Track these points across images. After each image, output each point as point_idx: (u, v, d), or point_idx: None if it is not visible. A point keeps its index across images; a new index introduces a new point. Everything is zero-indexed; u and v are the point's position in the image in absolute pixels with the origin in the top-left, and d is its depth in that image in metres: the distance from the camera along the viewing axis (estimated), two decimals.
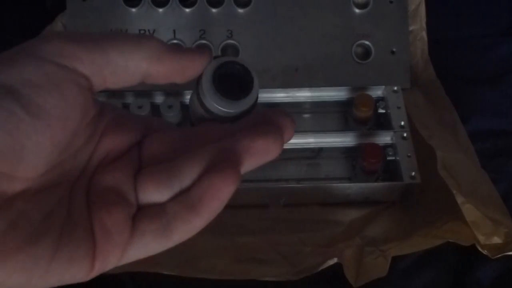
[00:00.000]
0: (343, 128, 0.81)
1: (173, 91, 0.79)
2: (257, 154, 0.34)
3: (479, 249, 0.64)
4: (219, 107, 0.37)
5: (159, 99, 0.78)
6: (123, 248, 0.32)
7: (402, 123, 0.76)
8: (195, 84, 0.40)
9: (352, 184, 0.74)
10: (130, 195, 0.33)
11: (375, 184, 0.74)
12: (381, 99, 0.80)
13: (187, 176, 0.33)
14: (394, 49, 0.84)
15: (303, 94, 0.81)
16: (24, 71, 0.29)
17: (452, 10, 0.95)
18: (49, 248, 0.29)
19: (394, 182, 0.73)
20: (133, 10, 0.84)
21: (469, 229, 0.64)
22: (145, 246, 0.33)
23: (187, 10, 0.84)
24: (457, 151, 0.72)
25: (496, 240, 0.63)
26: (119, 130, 0.36)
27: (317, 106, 0.82)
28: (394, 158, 0.74)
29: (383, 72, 0.84)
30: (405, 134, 0.75)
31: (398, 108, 0.77)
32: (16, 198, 0.29)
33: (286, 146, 0.77)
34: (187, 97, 0.79)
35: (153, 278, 0.65)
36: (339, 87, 0.81)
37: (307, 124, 0.82)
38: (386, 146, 0.75)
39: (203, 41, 0.84)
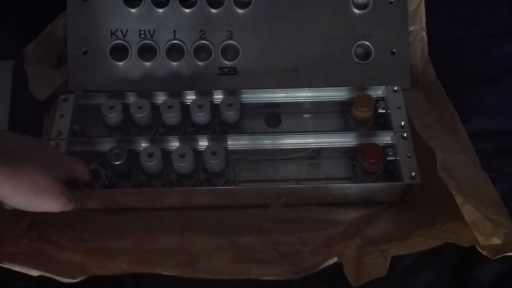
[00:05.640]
0: (343, 128, 0.81)
1: (173, 91, 0.79)
2: None
3: (479, 250, 0.64)
4: None
5: (159, 99, 0.78)
6: None
7: (402, 123, 0.76)
8: None
9: (352, 184, 0.74)
10: None
11: (375, 184, 0.74)
12: (381, 99, 0.80)
13: None
14: (394, 50, 0.84)
15: (303, 94, 0.81)
16: None
17: (452, 10, 0.95)
18: None
19: (394, 182, 0.73)
20: (133, 10, 0.84)
21: (469, 229, 0.64)
22: None
23: (187, 10, 0.84)
24: (457, 152, 0.72)
25: (496, 240, 0.63)
26: None
27: (317, 106, 0.82)
28: (394, 158, 0.74)
29: (383, 72, 0.84)
30: (405, 134, 0.75)
31: (398, 108, 0.77)
32: None
33: (286, 146, 0.78)
34: (187, 98, 0.79)
35: (153, 279, 0.65)
36: (339, 87, 0.81)
37: (307, 124, 0.82)
38: (386, 146, 0.75)
39: (203, 41, 0.84)
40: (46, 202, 0.61)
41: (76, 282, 0.64)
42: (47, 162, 0.62)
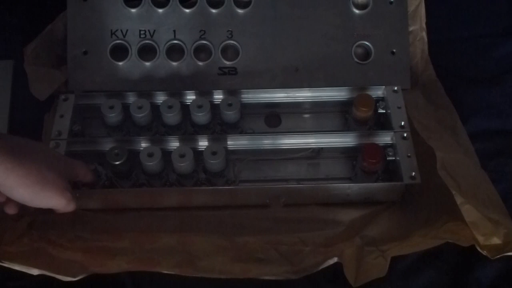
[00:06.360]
0: (343, 128, 0.81)
1: (173, 91, 0.79)
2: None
3: (479, 249, 0.64)
4: None
5: (159, 99, 0.78)
6: None
7: (402, 123, 0.76)
8: None
9: (352, 184, 0.74)
10: None
11: (375, 184, 0.74)
12: (381, 99, 0.80)
13: None
14: (394, 50, 0.84)
15: (303, 94, 0.81)
16: None
17: (452, 10, 0.95)
18: None
19: (394, 182, 0.73)
20: (133, 10, 0.84)
21: (469, 229, 0.64)
22: None
23: (187, 10, 0.84)
24: (456, 152, 0.72)
25: (496, 240, 0.63)
26: None
27: (317, 106, 0.82)
28: (394, 158, 0.74)
29: (383, 73, 0.84)
30: (405, 134, 0.75)
31: (398, 108, 0.78)
32: None
33: (286, 146, 0.79)
34: (187, 98, 0.79)
35: (154, 278, 0.65)
36: (339, 87, 0.81)
37: (307, 124, 0.82)
38: (386, 146, 0.75)
39: (203, 41, 0.84)
40: (51, 196, 0.61)
41: (76, 281, 0.64)
42: (53, 161, 0.62)
